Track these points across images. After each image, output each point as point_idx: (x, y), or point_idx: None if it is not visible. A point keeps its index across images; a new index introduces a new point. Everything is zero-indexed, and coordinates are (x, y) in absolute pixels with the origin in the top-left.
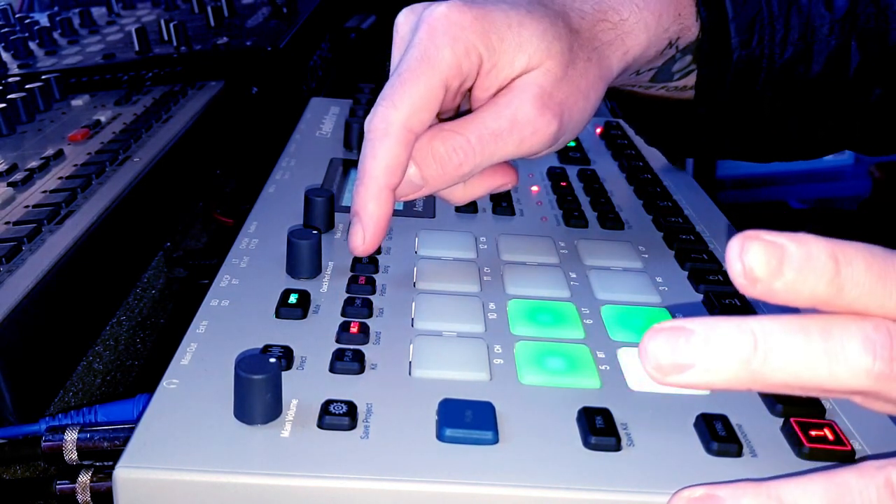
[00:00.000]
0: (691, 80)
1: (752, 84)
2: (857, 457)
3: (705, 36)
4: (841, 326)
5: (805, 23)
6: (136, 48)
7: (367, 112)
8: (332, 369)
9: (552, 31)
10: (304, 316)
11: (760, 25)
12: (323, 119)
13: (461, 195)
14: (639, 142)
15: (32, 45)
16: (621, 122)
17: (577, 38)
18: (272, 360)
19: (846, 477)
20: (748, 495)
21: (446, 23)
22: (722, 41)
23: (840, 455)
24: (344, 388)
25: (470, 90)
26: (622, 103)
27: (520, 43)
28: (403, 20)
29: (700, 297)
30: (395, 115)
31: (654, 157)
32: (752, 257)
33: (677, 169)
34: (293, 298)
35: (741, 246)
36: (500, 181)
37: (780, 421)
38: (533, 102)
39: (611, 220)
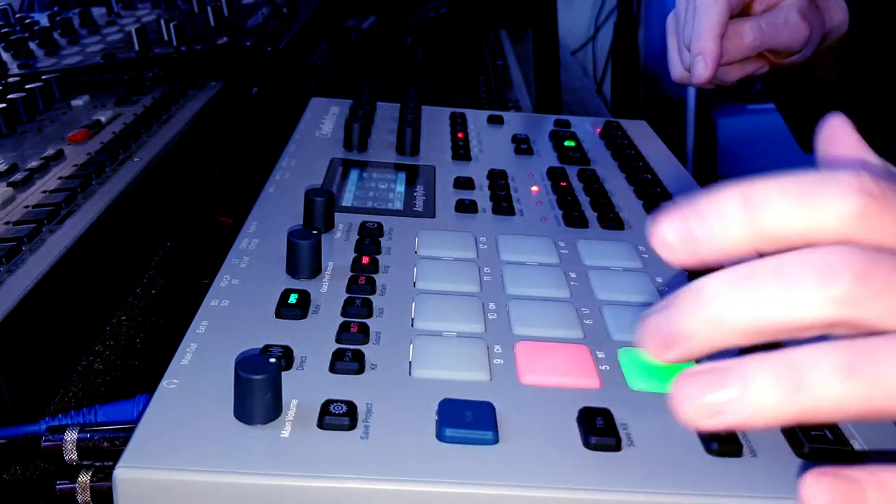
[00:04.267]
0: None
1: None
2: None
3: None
4: (791, 259)
5: None
6: (136, 48)
7: (367, 113)
8: (332, 369)
9: None
10: (304, 316)
11: None
12: (323, 119)
13: (736, 73)
14: (639, 141)
15: (32, 46)
16: (622, 121)
17: None
18: (272, 360)
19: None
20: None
21: None
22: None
23: (840, 455)
24: (344, 388)
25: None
26: (772, 84)
27: None
28: None
29: None
30: None
31: (655, 157)
32: (664, 228)
33: (677, 169)
34: (293, 298)
35: (656, 223)
36: (759, 65)
37: None
38: (797, 13)
39: (611, 220)
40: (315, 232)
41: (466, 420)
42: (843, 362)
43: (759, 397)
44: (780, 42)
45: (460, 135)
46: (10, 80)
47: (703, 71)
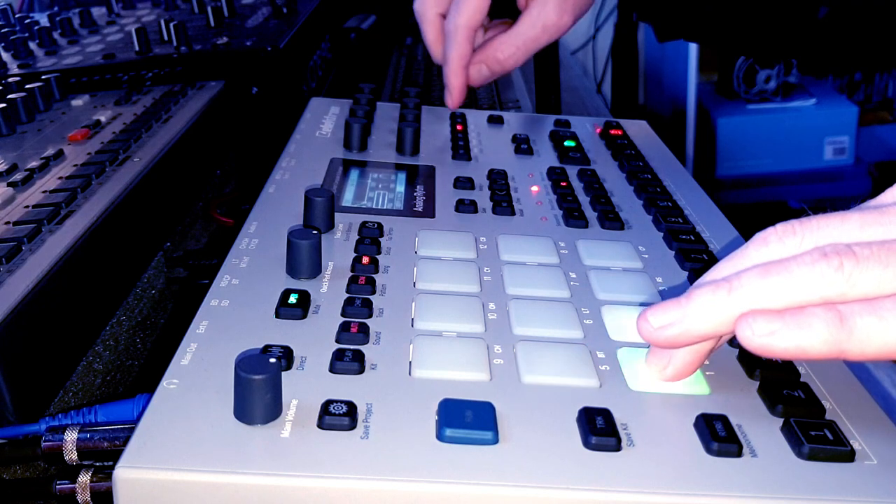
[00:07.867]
0: None
1: None
2: (856, 457)
3: None
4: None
5: None
6: (136, 48)
7: (367, 113)
8: (332, 369)
9: None
10: (304, 316)
11: None
12: (323, 119)
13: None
14: (639, 141)
15: (32, 45)
16: (622, 121)
17: None
18: (272, 360)
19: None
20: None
21: None
22: None
23: (840, 455)
24: (344, 388)
25: None
26: None
27: None
28: None
29: None
30: (459, 20)
31: (654, 157)
32: (652, 319)
33: (677, 169)
34: (293, 298)
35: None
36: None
37: (780, 421)
38: (555, 10)
39: (611, 220)
40: (315, 232)
41: (466, 420)
42: (761, 269)
43: (703, 302)
44: (540, 46)
45: (460, 135)
46: (10, 79)
47: (449, 101)
